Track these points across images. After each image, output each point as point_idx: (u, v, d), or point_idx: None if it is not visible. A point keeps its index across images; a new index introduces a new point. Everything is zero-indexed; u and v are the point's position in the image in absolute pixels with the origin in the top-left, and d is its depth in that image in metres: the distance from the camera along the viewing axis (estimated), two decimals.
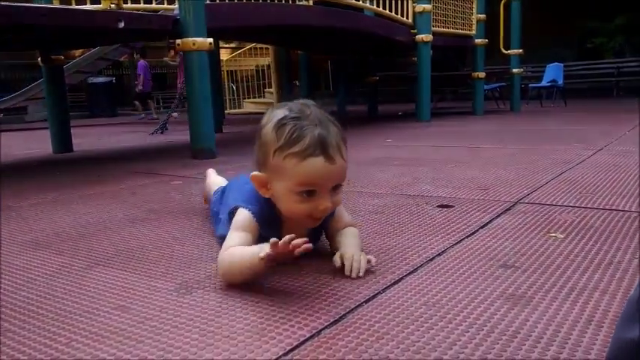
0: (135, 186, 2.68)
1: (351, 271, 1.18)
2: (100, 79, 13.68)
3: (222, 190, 1.58)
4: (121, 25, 3.37)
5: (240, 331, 0.95)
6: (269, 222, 1.23)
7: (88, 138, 6.54)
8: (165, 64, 11.26)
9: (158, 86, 16.45)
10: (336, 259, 1.22)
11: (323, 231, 1.37)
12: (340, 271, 1.21)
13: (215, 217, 1.56)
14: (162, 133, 6.83)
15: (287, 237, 1.02)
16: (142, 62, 11.34)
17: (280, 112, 1.15)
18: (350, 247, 1.26)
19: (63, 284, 1.25)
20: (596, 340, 0.87)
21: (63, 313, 1.07)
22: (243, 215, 1.23)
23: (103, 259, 1.43)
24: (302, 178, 1.11)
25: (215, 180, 1.88)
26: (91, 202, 2.27)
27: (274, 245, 1.02)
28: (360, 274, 1.18)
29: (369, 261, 1.21)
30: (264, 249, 1.05)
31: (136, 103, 11.92)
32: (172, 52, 10.24)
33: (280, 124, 1.12)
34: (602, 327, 0.92)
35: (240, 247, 1.15)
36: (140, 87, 11.45)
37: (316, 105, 1.18)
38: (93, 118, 12.19)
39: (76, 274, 1.32)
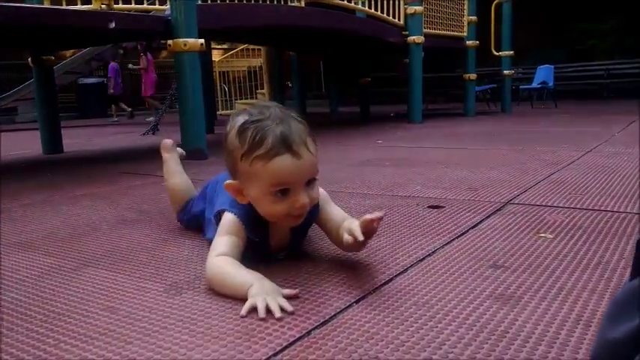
0: (125, 187, 2.67)
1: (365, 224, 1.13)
2: (91, 80, 13.57)
3: (205, 186, 1.57)
4: (112, 25, 3.36)
5: (229, 331, 0.95)
6: (255, 224, 1.22)
7: (79, 139, 6.50)
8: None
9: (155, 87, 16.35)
10: (346, 238, 1.16)
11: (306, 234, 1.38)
12: (331, 272, 1.21)
13: (202, 218, 1.53)
14: (153, 134, 6.80)
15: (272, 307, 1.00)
16: (112, 65, 11.23)
17: (241, 118, 1.15)
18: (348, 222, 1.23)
19: (52, 285, 1.24)
20: (584, 339, 0.88)
21: (51, 314, 1.07)
22: (229, 219, 1.22)
23: (92, 260, 1.42)
24: (272, 179, 1.11)
25: (188, 185, 1.73)
26: (81, 203, 2.26)
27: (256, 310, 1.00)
28: (379, 214, 1.11)
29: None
30: (251, 288, 1.05)
31: (114, 106, 11.90)
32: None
33: (242, 129, 1.12)
34: (591, 326, 0.92)
35: (232, 265, 1.13)
36: (111, 90, 11.39)
37: (277, 105, 1.18)
38: (83, 119, 12.11)
39: (65, 275, 1.31)
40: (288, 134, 1.10)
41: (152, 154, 4.56)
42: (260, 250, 1.27)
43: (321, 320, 0.98)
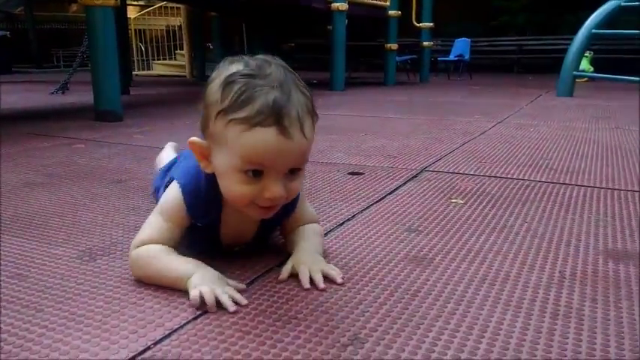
0: (32, 148, 2.51)
1: (311, 282, 0.98)
2: None
3: (170, 165, 1.35)
4: None
5: (147, 297, 0.93)
6: (204, 204, 1.01)
7: None
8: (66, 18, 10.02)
9: (59, 43, 15.32)
10: (285, 269, 1.01)
11: (278, 227, 1.17)
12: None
13: (157, 195, 1.33)
14: (63, 93, 6.39)
15: (223, 299, 0.88)
16: None
17: (233, 67, 0.91)
18: (305, 252, 1.04)
19: None
20: (489, 297, 0.94)
21: None
22: (173, 194, 1.02)
23: None
24: (246, 153, 0.87)
25: (168, 154, 1.63)
26: None
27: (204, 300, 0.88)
28: (320, 285, 0.96)
29: (326, 276, 0.99)
30: (192, 278, 0.91)
31: None
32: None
33: (228, 81, 0.89)
34: (495, 285, 0.99)
35: (166, 253, 0.97)
36: None
37: (284, 65, 0.93)
38: None
39: None
40: (283, 104, 0.86)
41: (61, 115, 4.31)
42: (208, 238, 1.07)
43: (244, 283, 0.98)
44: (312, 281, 0.98)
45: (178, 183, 1.02)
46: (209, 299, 0.87)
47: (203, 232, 1.05)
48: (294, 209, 1.09)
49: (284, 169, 0.91)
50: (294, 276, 1.00)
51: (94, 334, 0.81)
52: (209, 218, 1.03)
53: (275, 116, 0.86)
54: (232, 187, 0.93)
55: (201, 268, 0.94)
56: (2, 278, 1.02)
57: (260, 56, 0.94)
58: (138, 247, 1.00)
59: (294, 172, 0.93)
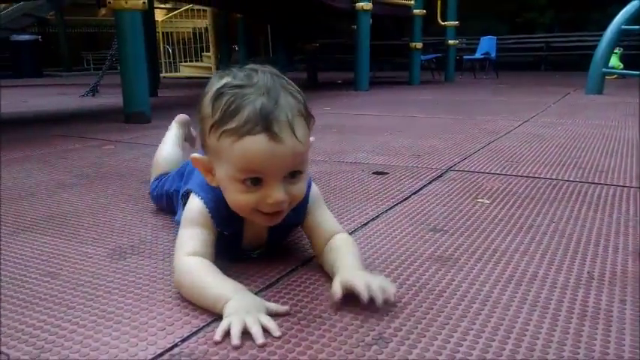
0: (64, 150, 2.57)
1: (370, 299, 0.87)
2: (25, 37, 12.81)
3: (185, 164, 1.33)
4: None
5: (175, 295, 0.95)
6: (227, 215, 1.00)
7: (12, 99, 6.16)
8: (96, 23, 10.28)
9: (89, 46, 15.66)
10: (336, 288, 0.90)
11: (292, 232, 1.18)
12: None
13: (176, 197, 1.28)
14: (93, 95, 6.53)
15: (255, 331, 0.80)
16: None
17: (222, 80, 0.93)
18: (350, 268, 0.96)
19: None
20: (515, 297, 0.94)
21: None
22: (195, 206, 1.02)
23: (30, 225, 1.38)
24: (240, 163, 0.89)
25: (172, 149, 1.59)
26: (17, 167, 2.16)
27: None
28: (380, 302, 0.87)
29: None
30: (228, 303, 0.85)
31: None
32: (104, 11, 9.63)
33: (218, 94, 0.91)
34: (521, 285, 0.98)
35: (207, 272, 0.92)
36: None
37: (272, 71, 0.94)
38: (16, 79, 11.45)
39: (1, 240, 1.26)
40: (271, 110, 0.87)
41: (92, 117, 4.40)
42: (231, 244, 1.07)
43: (268, 282, 1.00)
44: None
45: (199, 197, 1.02)
46: (234, 332, 0.79)
47: (226, 239, 1.04)
48: (302, 218, 1.08)
49: (281, 174, 0.91)
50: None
51: (123, 331, 0.83)
52: (234, 227, 1.04)
53: (263, 123, 0.86)
54: (234, 197, 0.94)
55: (239, 294, 0.87)
56: (35, 276, 1.05)
57: (248, 66, 0.95)
58: (183, 259, 0.96)
59: (294, 175, 0.94)
